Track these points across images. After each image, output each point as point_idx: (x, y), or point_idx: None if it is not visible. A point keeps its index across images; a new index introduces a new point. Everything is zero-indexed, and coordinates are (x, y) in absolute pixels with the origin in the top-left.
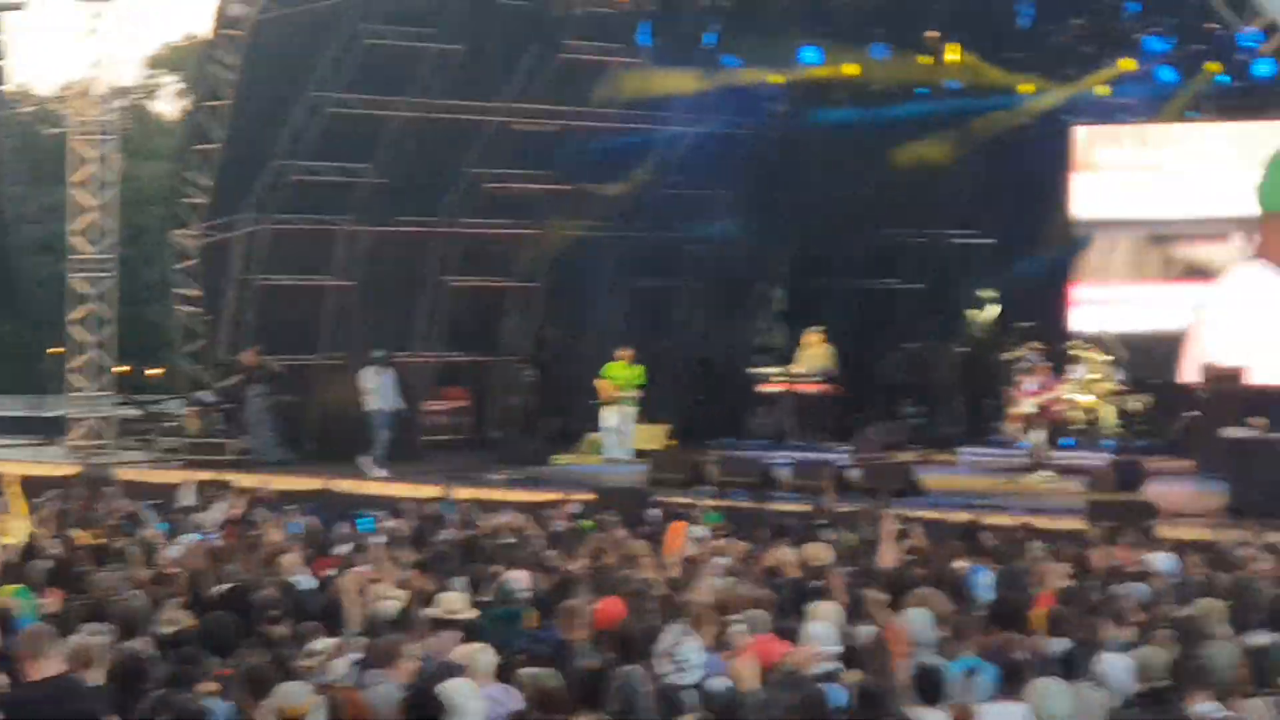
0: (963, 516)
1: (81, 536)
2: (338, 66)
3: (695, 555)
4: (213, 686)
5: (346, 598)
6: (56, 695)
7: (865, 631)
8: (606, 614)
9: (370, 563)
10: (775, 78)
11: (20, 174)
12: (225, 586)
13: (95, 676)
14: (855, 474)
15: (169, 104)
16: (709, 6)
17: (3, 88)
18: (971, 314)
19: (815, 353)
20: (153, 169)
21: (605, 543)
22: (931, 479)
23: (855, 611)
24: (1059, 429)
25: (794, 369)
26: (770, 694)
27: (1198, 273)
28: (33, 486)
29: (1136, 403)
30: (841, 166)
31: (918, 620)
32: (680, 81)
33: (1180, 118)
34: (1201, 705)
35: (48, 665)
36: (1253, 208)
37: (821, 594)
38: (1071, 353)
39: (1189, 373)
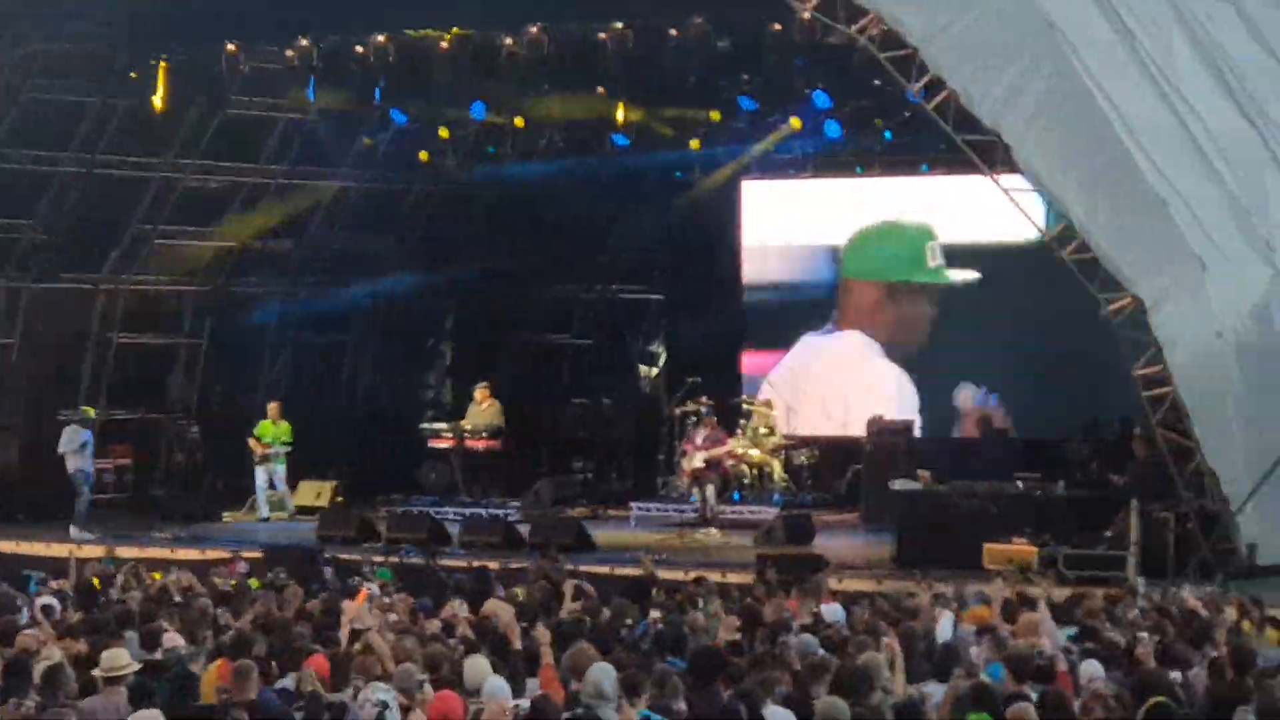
0: (634, 571)
1: None
2: None
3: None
4: None
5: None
6: None
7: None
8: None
9: (33, 625)
10: (444, 132)
11: None
12: None
13: None
14: (525, 530)
15: None
16: (376, 62)
17: None
18: (642, 369)
19: (484, 409)
20: None
21: (274, 601)
22: (603, 534)
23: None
24: (729, 483)
25: (464, 425)
26: None
27: None
28: None
29: (803, 457)
30: (510, 221)
31: (599, 675)
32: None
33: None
34: None
35: None
36: None
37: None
38: (744, 407)
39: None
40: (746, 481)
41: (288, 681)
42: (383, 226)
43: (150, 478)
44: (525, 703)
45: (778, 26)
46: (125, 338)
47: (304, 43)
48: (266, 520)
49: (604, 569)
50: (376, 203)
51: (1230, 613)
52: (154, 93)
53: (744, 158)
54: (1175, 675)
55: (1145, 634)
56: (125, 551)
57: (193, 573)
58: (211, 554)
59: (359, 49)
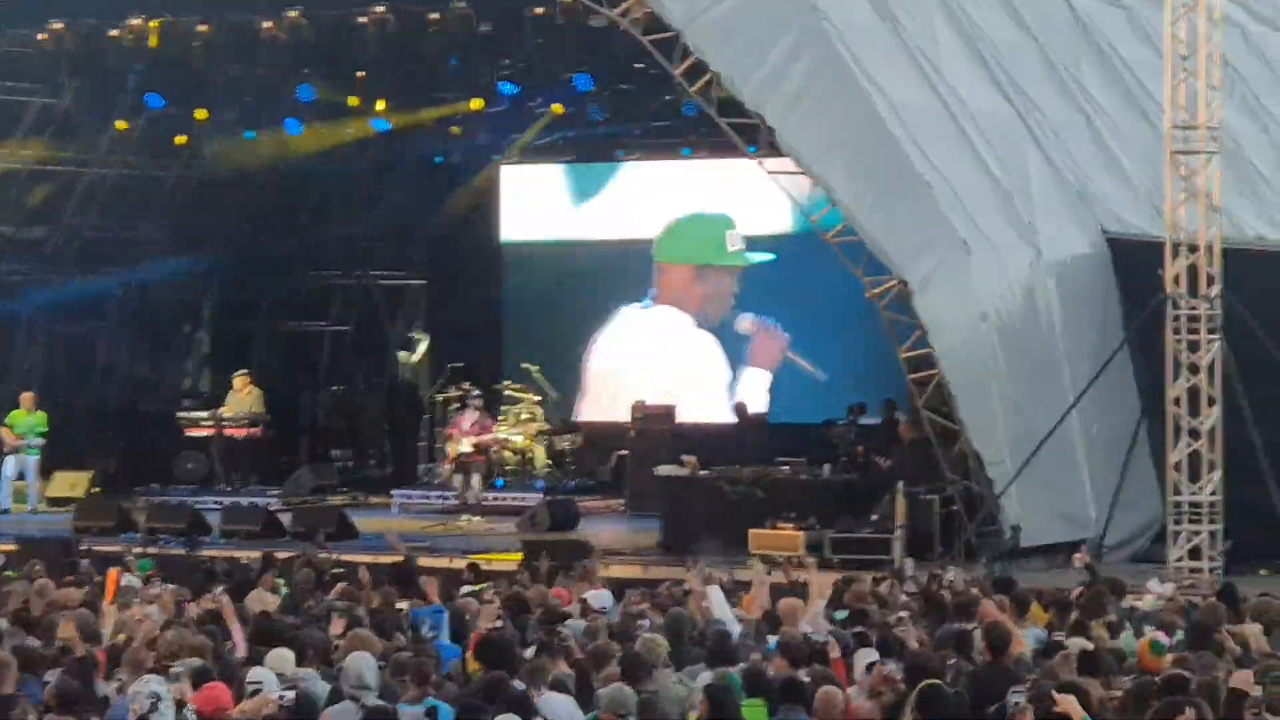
0: (398, 559)
1: None
2: None
3: (128, 603)
4: None
5: None
6: None
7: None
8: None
9: None
10: (201, 114)
11: None
12: None
13: None
14: (286, 518)
15: None
16: (132, 47)
17: None
18: (401, 356)
19: (243, 396)
20: None
21: (30, 593)
22: (364, 522)
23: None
24: (492, 470)
25: (223, 413)
26: None
27: None
28: None
29: (565, 442)
30: (267, 207)
31: (359, 664)
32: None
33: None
34: None
35: None
36: None
37: (271, 640)
38: (505, 393)
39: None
40: (509, 468)
41: (51, 676)
42: (138, 213)
43: None
44: (290, 694)
45: (540, 10)
46: None
47: (58, 26)
48: (5, 512)
49: (367, 557)
50: (132, 189)
51: (991, 606)
52: None
53: (511, 149)
54: (944, 657)
55: (907, 615)
56: None
57: None
58: None
59: (114, 33)
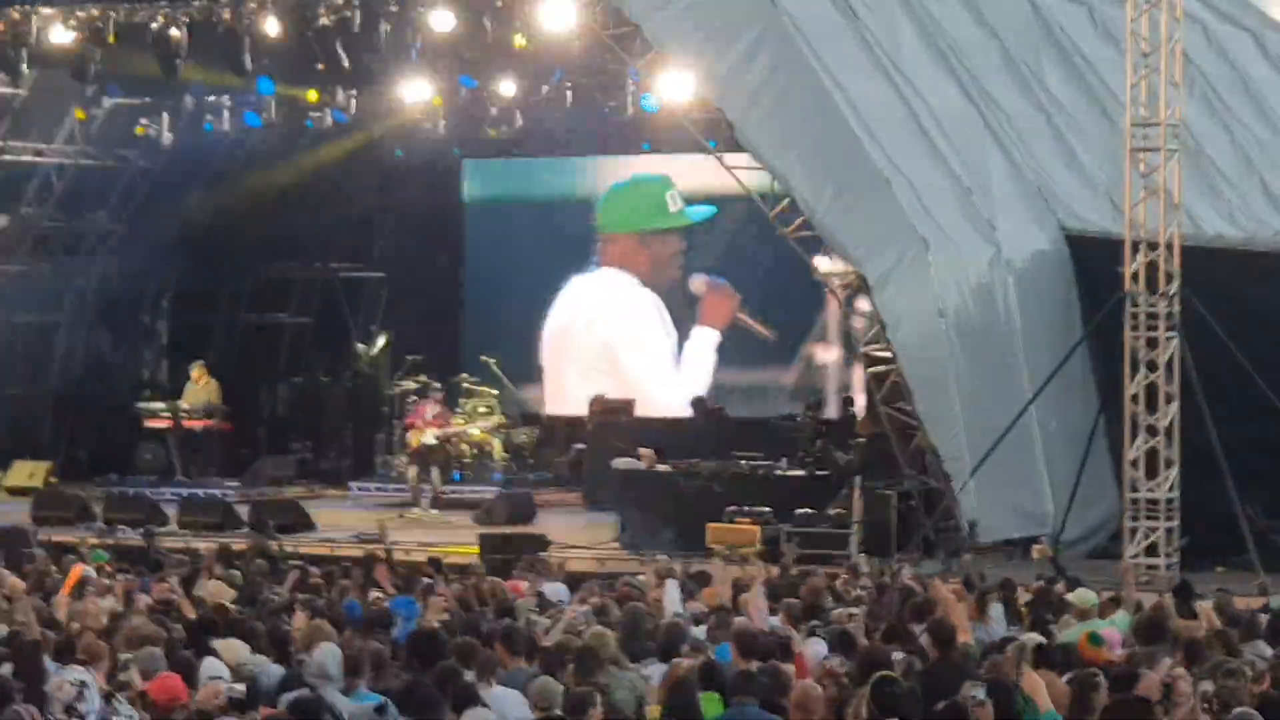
0: (355, 551)
1: None
2: None
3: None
4: None
5: None
6: None
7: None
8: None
9: None
10: (160, 107)
11: None
12: None
13: None
14: (244, 509)
15: None
16: (90, 36)
17: None
18: (360, 348)
19: (201, 387)
20: None
21: None
22: (322, 514)
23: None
24: (449, 463)
25: (181, 404)
26: None
27: None
28: None
29: (523, 435)
30: (226, 199)
31: (324, 655)
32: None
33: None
34: None
35: None
36: None
37: (221, 632)
38: (463, 386)
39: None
40: (466, 460)
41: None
42: (96, 203)
43: None
44: (241, 686)
45: (499, 4)
46: None
47: (15, 15)
48: None
49: (324, 549)
50: (90, 179)
51: (945, 590)
52: None
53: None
54: (897, 653)
55: (858, 612)
56: None
57: None
58: None
59: (75, 20)
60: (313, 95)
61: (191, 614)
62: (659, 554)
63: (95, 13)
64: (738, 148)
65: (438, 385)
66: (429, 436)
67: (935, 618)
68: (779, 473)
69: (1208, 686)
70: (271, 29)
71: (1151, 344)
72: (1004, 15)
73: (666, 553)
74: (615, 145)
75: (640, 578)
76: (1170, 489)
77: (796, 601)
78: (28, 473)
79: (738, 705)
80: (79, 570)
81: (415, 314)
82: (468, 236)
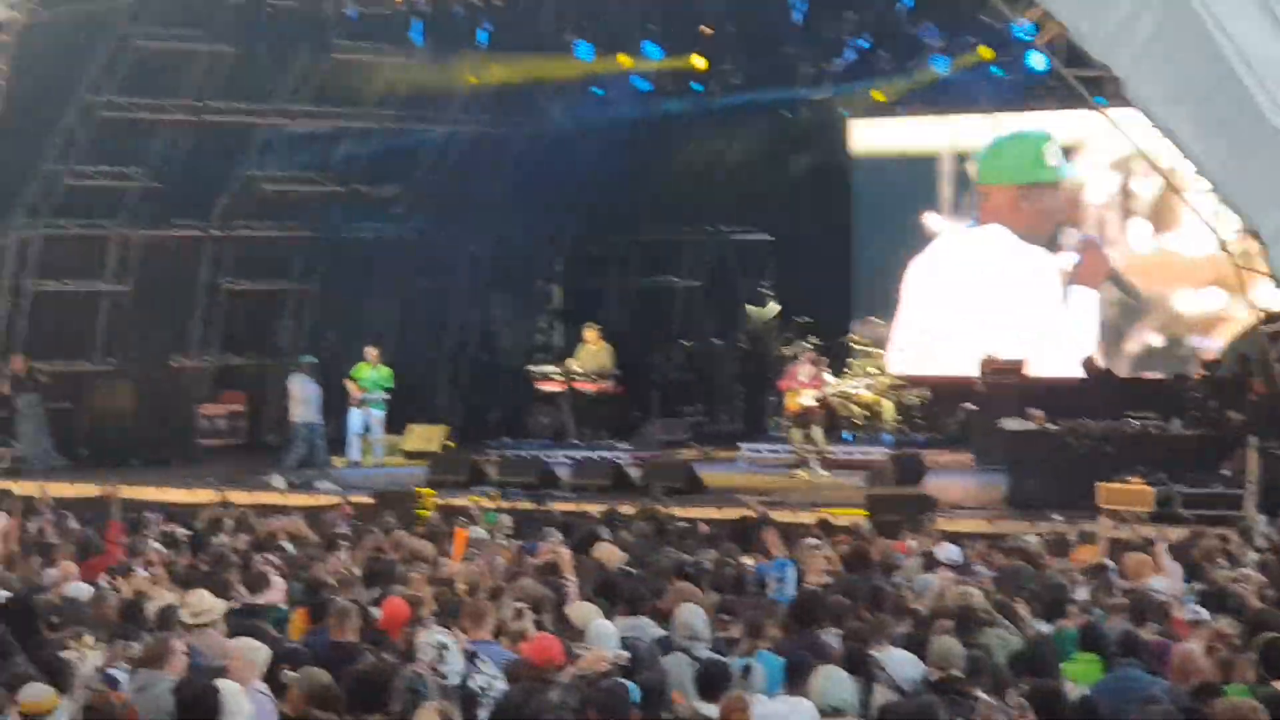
0: (744, 513)
1: None
2: (109, 69)
3: (475, 554)
4: None
5: (121, 601)
6: None
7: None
8: (391, 615)
9: (146, 568)
10: (550, 75)
11: None
12: (4, 595)
13: None
14: (635, 472)
15: None
16: (482, 6)
17: None
18: (751, 310)
19: (594, 350)
20: None
21: (385, 544)
22: (712, 476)
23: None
24: (838, 423)
25: (573, 367)
26: (564, 694)
27: None
28: None
29: (914, 396)
30: (617, 164)
31: (689, 615)
32: (455, 80)
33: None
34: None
35: None
36: None
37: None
38: (854, 346)
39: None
40: (857, 422)
41: None
42: (490, 169)
43: (262, 424)
44: (626, 653)
45: None
46: (235, 284)
47: None
48: (357, 465)
49: (712, 511)
50: (483, 146)
51: None
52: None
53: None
54: None
55: (1252, 573)
56: (237, 497)
57: (302, 517)
58: (321, 499)
59: None
60: (700, 61)
61: (573, 577)
62: (1051, 514)
63: None
64: (1125, 103)
65: (808, 346)
66: (806, 398)
67: None
68: (1171, 433)
69: None
70: None
71: None
72: None
73: (1056, 513)
74: (992, 103)
75: (1028, 538)
76: None
77: (1182, 564)
78: (424, 436)
79: (1122, 668)
80: (465, 534)
81: (804, 275)
82: (855, 196)
